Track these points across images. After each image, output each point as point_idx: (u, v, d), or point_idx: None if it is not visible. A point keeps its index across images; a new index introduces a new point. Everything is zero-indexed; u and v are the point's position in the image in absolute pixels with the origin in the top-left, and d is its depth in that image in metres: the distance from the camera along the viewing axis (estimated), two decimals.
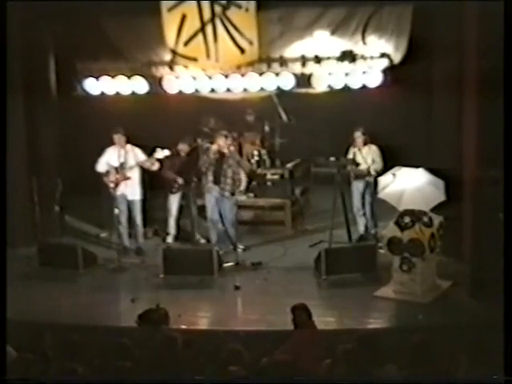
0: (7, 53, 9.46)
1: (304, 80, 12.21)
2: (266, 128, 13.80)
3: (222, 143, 11.61)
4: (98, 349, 7.02)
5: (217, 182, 11.65)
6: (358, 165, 11.79)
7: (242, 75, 12.39)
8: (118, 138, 11.72)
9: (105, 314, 9.87)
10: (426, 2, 11.06)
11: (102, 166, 11.86)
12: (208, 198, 11.81)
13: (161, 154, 11.71)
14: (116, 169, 11.75)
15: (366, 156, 11.76)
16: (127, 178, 11.73)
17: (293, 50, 12.32)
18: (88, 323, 9.30)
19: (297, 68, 12.31)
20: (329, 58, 12.13)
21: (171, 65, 12.67)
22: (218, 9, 12.10)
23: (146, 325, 8.17)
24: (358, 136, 11.80)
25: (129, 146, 11.82)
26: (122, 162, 11.74)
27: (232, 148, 12.04)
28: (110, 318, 9.76)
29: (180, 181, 12.15)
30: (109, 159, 11.82)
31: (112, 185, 11.72)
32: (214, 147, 11.67)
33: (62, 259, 11.26)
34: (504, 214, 8.01)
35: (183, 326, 9.13)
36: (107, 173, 11.79)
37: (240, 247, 11.77)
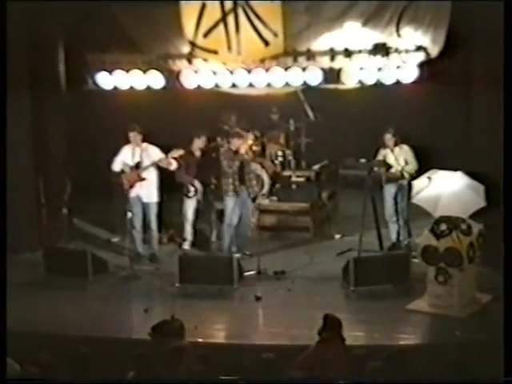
0: (12, 46, 9.53)
1: (333, 75, 12.16)
2: (291, 126, 13.81)
3: (238, 143, 11.62)
4: (107, 362, 7.04)
5: (243, 183, 11.69)
6: (389, 167, 11.74)
7: (266, 70, 12.36)
8: (134, 135, 11.72)
9: (115, 326, 9.87)
10: None
11: (117, 166, 11.85)
12: (228, 200, 11.77)
13: (177, 153, 11.71)
14: (131, 169, 11.77)
15: (398, 157, 11.71)
16: (142, 179, 11.72)
17: (321, 42, 12.29)
18: (97, 335, 9.33)
19: (325, 62, 12.27)
20: (360, 52, 12.09)
21: (189, 58, 12.67)
22: None
23: (159, 337, 8.17)
24: (389, 138, 11.75)
25: (145, 145, 11.81)
26: (137, 162, 11.75)
27: (255, 148, 12.00)
28: (121, 330, 9.76)
29: (197, 184, 12.15)
30: (124, 158, 11.82)
31: (126, 186, 11.72)
32: (232, 148, 11.65)
33: (70, 266, 11.27)
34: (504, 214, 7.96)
35: (199, 339, 9.14)
36: (122, 172, 11.79)
37: (247, 253, 11.80)
